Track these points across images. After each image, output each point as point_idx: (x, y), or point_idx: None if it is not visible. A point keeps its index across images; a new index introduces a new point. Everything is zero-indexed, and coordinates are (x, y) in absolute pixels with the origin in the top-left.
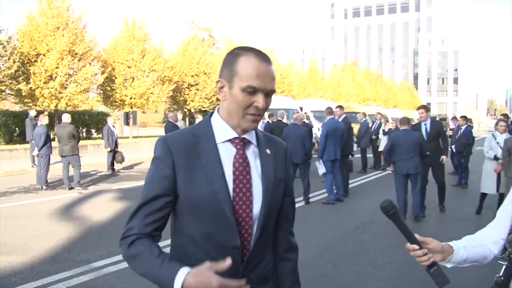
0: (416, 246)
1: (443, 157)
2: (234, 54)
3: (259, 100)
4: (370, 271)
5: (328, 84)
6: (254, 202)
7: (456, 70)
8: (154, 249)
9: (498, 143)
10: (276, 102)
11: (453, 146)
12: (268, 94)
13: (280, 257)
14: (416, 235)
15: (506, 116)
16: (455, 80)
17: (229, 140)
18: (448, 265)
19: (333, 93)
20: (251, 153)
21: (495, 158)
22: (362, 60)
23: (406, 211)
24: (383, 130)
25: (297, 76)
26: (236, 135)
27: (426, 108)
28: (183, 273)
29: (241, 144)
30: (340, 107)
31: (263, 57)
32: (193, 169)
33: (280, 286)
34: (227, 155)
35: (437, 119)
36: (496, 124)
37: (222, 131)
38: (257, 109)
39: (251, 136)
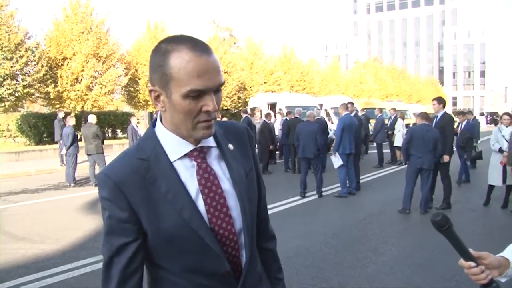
0: (472, 263)
1: (445, 156)
2: (163, 52)
3: (208, 103)
4: (370, 256)
5: (350, 81)
6: (233, 214)
7: (483, 63)
8: None
9: (503, 136)
10: (296, 99)
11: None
12: (217, 90)
13: (261, 248)
14: (471, 250)
15: None
16: (482, 73)
17: (185, 155)
18: (503, 280)
19: (355, 89)
20: (214, 159)
21: (500, 150)
22: (386, 55)
23: (411, 202)
24: (404, 126)
25: (318, 73)
26: (191, 147)
27: (439, 100)
28: None
29: (200, 156)
30: (351, 103)
31: (200, 47)
32: (154, 201)
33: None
34: (188, 173)
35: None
36: (501, 117)
37: (174, 146)
38: (208, 114)
39: (208, 141)
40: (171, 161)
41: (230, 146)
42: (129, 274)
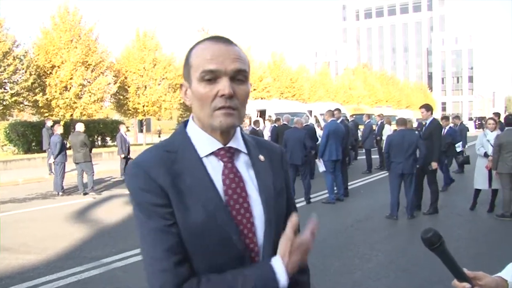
0: (467, 285)
1: (433, 163)
2: (190, 49)
3: (223, 86)
4: (356, 262)
5: (340, 87)
6: (256, 222)
7: (471, 68)
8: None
9: (488, 140)
10: (285, 106)
11: None
12: (235, 77)
13: (292, 279)
14: (465, 270)
15: (497, 114)
16: (470, 79)
17: (212, 153)
18: None
19: (345, 95)
20: (242, 163)
21: (486, 155)
22: (376, 61)
23: (398, 209)
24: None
25: (307, 80)
26: (219, 146)
27: (427, 107)
28: (276, 263)
29: (227, 155)
30: (338, 109)
31: (219, 39)
32: (180, 192)
33: None
34: (214, 171)
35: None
36: (486, 122)
37: (203, 143)
38: (224, 99)
39: (238, 143)
40: (200, 156)
41: (261, 157)
42: (179, 258)
